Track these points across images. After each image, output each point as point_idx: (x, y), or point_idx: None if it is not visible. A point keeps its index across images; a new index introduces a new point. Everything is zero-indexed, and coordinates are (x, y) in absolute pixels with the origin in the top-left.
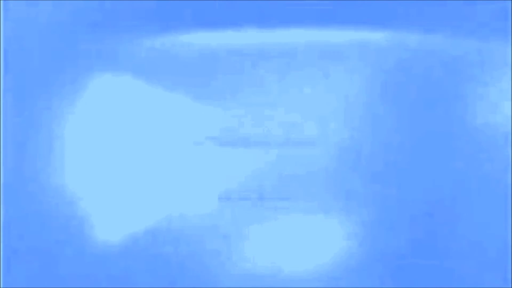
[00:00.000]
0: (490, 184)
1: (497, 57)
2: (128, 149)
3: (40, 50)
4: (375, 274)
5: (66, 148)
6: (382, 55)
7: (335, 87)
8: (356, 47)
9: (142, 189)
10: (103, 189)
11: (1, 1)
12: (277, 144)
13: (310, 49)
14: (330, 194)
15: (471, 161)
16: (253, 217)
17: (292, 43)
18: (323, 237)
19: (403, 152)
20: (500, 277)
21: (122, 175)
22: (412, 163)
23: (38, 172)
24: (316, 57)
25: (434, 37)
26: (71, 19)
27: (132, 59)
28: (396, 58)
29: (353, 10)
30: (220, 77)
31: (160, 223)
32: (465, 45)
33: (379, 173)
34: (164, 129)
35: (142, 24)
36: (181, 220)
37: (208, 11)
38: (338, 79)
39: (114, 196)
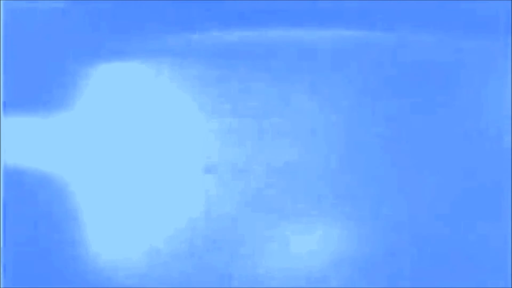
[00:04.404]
0: (490, 184)
1: (497, 57)
2: (131, 150)
3: (39, 50)
4: (374, 274)
5: (66, 149)
6: (381, 55)
7: (334, 86)
8: (355, 47)
9: (146, 192)
10: (104, 189)
11: (1, 1)
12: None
13: (308, 49)
14: (329, 196)
15: (470, 161)
16: (253, 223)
17: (290, 43)
18: (321, 239)
19: (402, 152)
20: (500, 277)
21: (124, 175)
22: (411, 163)
23: (39, 172)
24: (315, 56)
25: (434, 37)
26: (73, 18)
27: (131, 58)
28: (394, 58)
29: (352, 10)
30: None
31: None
32: (464, 45)
33: (378, 173)
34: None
35: (137, 24)
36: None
37: (209, 11)
38: (337, 78)
39: (115, 196)
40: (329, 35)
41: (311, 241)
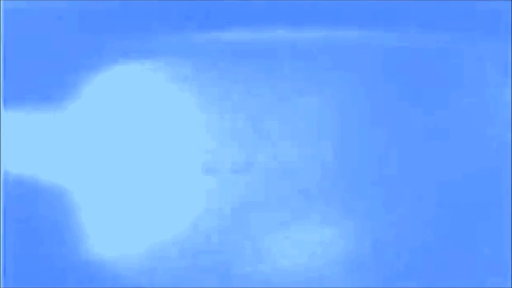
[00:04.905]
0: (489, 184)
1: (496, 57)
2: (130, 150)
3: (39, 50)
4: (374, 275)
5: (66, 150)
6: (381, 55)
7: (334, 86)
8: (356, 47)
9: (144, 196)
10: (105, 189)
11: (1, 1)
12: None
13: (307, 49)
14: (329, 197)
15: (470, 161)
16: (252, 226)
17: (290, 42)
18: (321, 239)
19: (402, 152)
20: (500, 277)
21: (124, 176)
22: (411, 163)
23: (39, 173)
24: (315, 56)
25: (433, 37)
26: (74, 18)
27: (131, 58)
28: (395, 58)
29: (352, 11)
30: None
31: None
32: (464, 45)
33: (378, 173)
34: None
35: (137, 24)
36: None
37: (207, 12)
38: (337, 79)
39: (116, 197)
40: (329, 35)
41: (311, 241)
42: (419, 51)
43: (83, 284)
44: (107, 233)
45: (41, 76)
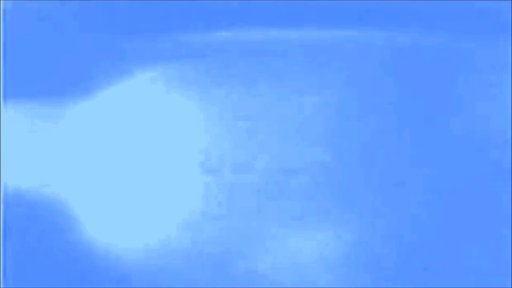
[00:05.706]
0: (489, 184)
1: (496, 57)
2: (131, 151)
3: (39, 52)
4: (374, 274)
5: (66, 151)
6: (382, 56)
7: (336, 87)
8: (357, 48)
9: (144, 196)
10: (106, 189)
11: (1, 1)
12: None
13: (307, 49)
14: (329, 197)
15: (470, 161)
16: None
17: (290, 43)
18: (320, 240)
19: (402, 153)
20: (500, 277)
21: (124, 176)
22: (411, 164)
23: (39, 174)
24: (316, 57)
25: (433, 37)
26: (76, 17)
27: (131, 58)
28: (395, 58)
29: (354, 11)
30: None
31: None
32: (465, 45)
33: (377, 173)
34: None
35: (137, 24)
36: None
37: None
38: (338, 79)
39: (116, 196)
40: (329, 35)
41: (311, 241)
42: (419, 51)
43: (83, 284)
44: (108, 234)
45: (41, 77)
